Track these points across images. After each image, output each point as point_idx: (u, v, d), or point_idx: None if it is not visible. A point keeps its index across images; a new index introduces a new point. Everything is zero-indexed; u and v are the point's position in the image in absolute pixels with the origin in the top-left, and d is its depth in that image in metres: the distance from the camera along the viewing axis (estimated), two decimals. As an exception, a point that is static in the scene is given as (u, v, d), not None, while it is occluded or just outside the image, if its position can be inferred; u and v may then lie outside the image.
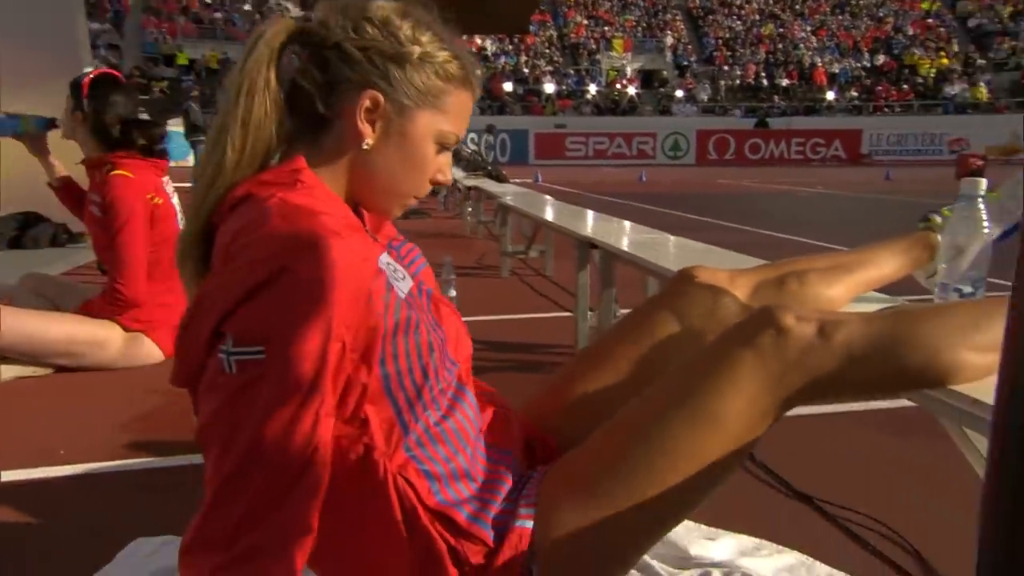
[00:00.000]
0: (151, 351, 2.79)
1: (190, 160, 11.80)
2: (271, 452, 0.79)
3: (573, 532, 0.96)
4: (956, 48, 31.77)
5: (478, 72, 1.02)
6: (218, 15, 29.00)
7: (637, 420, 1.00)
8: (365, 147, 0.94)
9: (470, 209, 7.22)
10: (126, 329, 2.74)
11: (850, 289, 1.38)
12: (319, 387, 0.80)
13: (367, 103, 0.92)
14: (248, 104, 0.90)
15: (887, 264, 1.46)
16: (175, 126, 12.20)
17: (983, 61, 30.77)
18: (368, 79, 0.92)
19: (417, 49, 0.94)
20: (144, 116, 2.80)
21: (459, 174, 8.50)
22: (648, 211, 9.10)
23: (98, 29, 26.29)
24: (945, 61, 30.80)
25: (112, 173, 2.68)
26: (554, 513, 0.97)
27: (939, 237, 1.42)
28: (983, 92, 28.31)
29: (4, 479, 1.92)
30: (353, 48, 0.91)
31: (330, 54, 0.92)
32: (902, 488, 1.87)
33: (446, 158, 1.02)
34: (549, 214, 3.97)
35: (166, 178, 2.91)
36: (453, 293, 3.72)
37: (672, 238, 3.04)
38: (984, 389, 1.02)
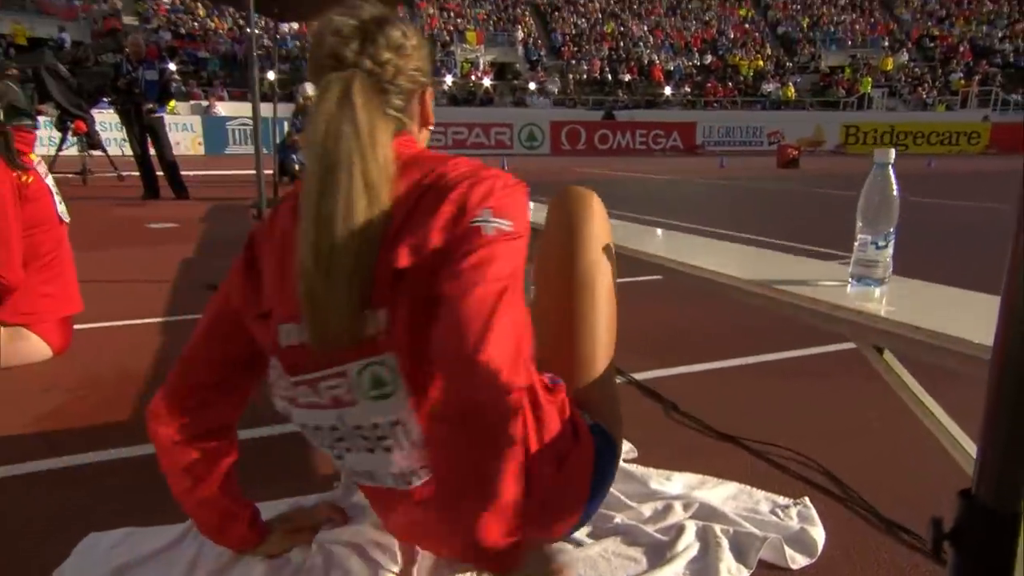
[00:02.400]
0: (37, 347, 2.55)
1: None
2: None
3: (585, 386, 1.35)
4: (769, 51, 34.30)
5: None
6: (30, -15, 26.39)
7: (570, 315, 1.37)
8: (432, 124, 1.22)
9: None
10: (5, 324, 2.48)
11: None
12: None
13: (428, 98, 1.20)
14: (373, 132, 1.00)
15: None
16: None
17: (791, 63, 33.49)
18: (420, 82, 1.16)
19: (419, 46, 1.15)
20: None
21: None
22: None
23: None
24: (760, 63, 33.16)
25: None
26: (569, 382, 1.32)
27: None
28: (792, 91, 30.86)
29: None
30: (405, 80, 1.12)
31: (392, 85, 1.10)
32: (812, 423, 2.09)
33: None
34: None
35: (36, 157, 2.63)
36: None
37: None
38: (905, 314, 1.20)
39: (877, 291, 1.46)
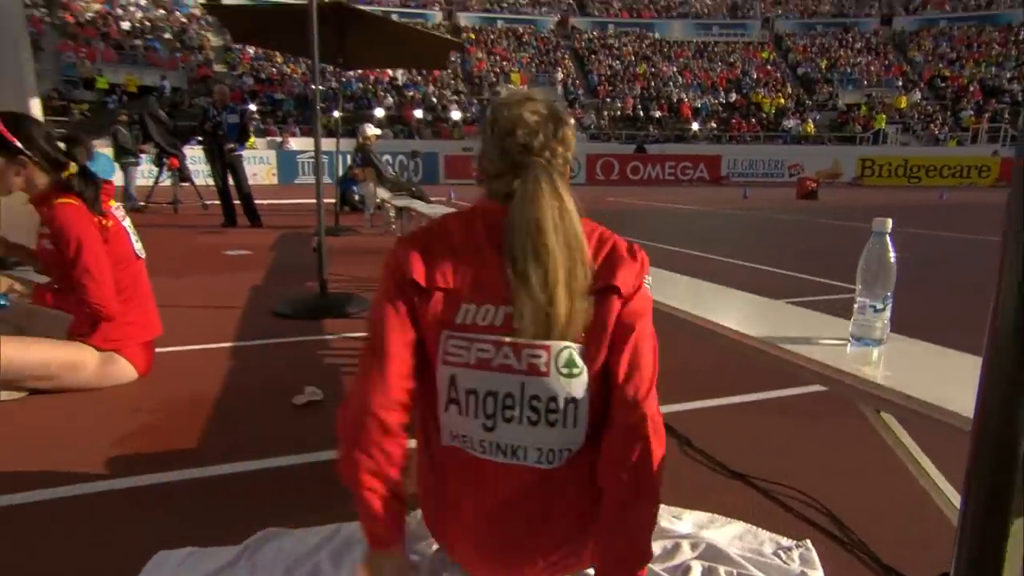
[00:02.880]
0: (125, 369, 2.63)
1: (117, 179, 11.15)
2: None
3: None
4: (790, 90, 33.80)
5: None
6: (138, 42, 27.44)
7: None
8: None
9: (394, 227, 7.03)
10: (99, 349, 2.55)
11: None
12: None
13: None
14: (573, 208, 1.20)
15: None
16: (103, 147, 11.41)
17: (810, 101, 32.94)
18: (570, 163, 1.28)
19: (574, 135, 1.28)
20: (60, 134, 2.56)
21: (385, 194, 8.35)
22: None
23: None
24: (782, 100, 32.69)
25: (57, 202, 2.44)
26: None
27: None
28: (811, 127, 30.33)
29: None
30: (567, 165, 1.26)
31: (564, 169, 1.25)
32: (817, 462, 2.02)
33: None
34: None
35: (115, 203, 2.67)
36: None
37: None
38: (907, 386, 1.15)
39: (875, 352, 1.41)
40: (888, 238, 1.42)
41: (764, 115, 31.60)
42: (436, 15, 35.79)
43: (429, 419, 1.24)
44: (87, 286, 2.47)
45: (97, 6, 29.38)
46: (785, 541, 1.57)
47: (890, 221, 1.41)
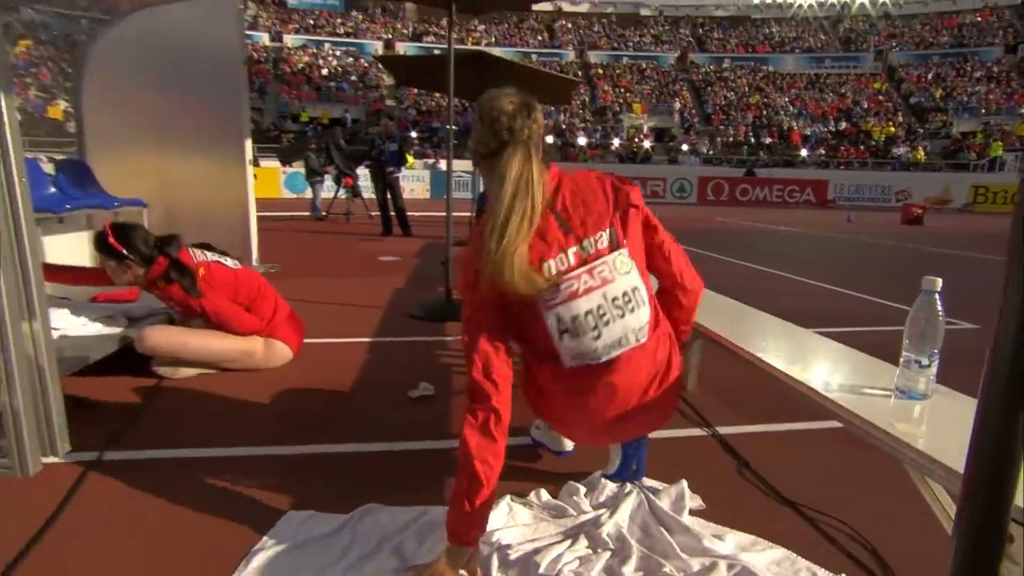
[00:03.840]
0: (283, 351, 2.86)
1: (307, 194, 12.56)
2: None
3: None
4: (901, 119, 30.69)
5: None
6: (331, 83, 29.58)
7: None
8: None
9: None
10: (262, 336, 2.83)
11: None
12: None
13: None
14: (542, 173, 1.43)
15: None
16: (298, 167, 13.37)
17: (921, 130, 29.74)
18: (542, 136, 1.49)
19: (541, 115, 1.48)
20: (155, 237, 2.68)
21: None
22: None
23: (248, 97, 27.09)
24: (892, 129, 29.75)
25: (164, 286, 2.64)
26: None
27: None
28: (921, 154, 27.36)
29: (186, 455, 1.99)
30: (539, 138, 1.46)
31: (537, 141, 1.46)
32: (868, 496, 1.84)
33: None
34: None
35: (195, 252, 2.78)
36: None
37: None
38: (942, 450, 1.02)
39: (918, 408, 1.26)
40: (938, 297, 1.26)
41: (873, 143, 28.91)
42: (569, 53, 35.81)
43: (545, 360, 1.45)
44: (228, 327, 2.74)
45: (306, 58, 32.04)
46: (822, 573, 1.44)
47: (939, 281, 1.25)
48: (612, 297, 1.39)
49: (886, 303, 4.81)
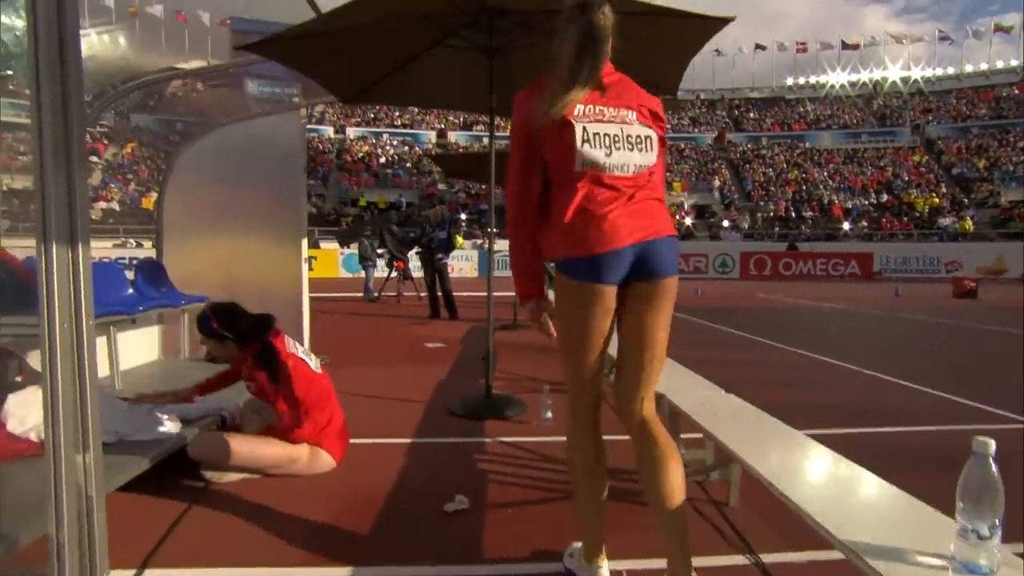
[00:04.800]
0: (326, 460, 2.83)
1: (362, 274, 12.92)
2: None
3: None
4: (944, 189, 29.85)
5: None
6: (388, 170, 31.07)
7: None
8: None
9: None
10: (309, 444, 2.82)
11: None
12: None
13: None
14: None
15: None
16: (354, 248, 14.20)
17: (967, 200, 28.78)
18: None
19: None
20: (252, 317, 2.85)
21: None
22: (705, 327, 8.73)
23: (311, 184, 28.77)
24: (936, 200, 28.91)
25: (252, 366, 2.77)
26: None
27: None
28: (969, 224, 26.34)
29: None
30: None
31: None
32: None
33: None
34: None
35: (286, 339, 2.90)
36: (549, 415, 3.57)
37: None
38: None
39: (980, 588, 1.11)
40: (991, 460, 1.14)
41: (918, 214, 28.09)
42: (610, 138, 36.68)
43: (563, 186, 1.70)
44: (280, 413, 2.79)
45: (366, 148, 33.96)
46: None
47: (992, 444, 1.14)
48: (627, 134, 1.70)
49: (945, 396, 4.49)
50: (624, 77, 1.77)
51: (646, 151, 1.72)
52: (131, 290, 4.31)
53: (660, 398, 2.50)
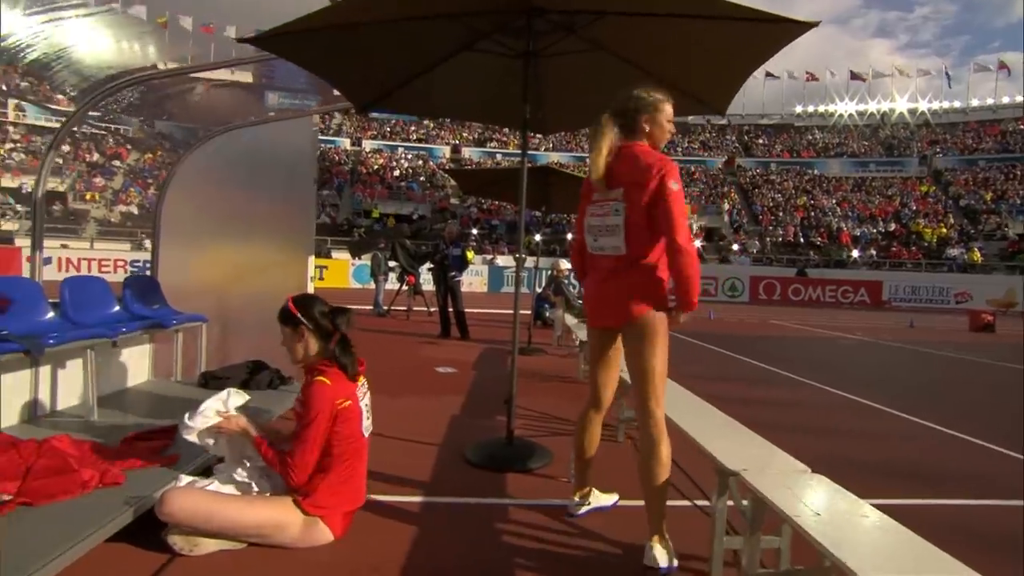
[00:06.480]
0: (324, 533, 2.27)
1: (371, 285, 12.63)
2: None
3: None
4: (952, 220, 29.18)
5: None
6: (402, 183, 30.72)
7: None
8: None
9: (578, 350, 6.06)
10: (306, 514, 2.25)
11: None
12: None
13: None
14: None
15: None
16: (366, 259, 13.98)
17: (974, 231, 28.09)
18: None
19: None
20: (331, 307, 2.43)
21: (572, 321, 7.76)
22: (729, 359, 8.14)
23: (326, 194, 28.43)
24: (944, 230, 28.24)
25: (316, 378, 2.29)
26: None
27: None
28: (978, 255, 25.64)
29: None
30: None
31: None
32: None
33: None
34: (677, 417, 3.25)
35: (362, 380, 2.44)
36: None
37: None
38: None
39: None
40: None
41: (926, 244, 27.41)
42: (621, 159, 36.33)
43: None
44: (295, 449, 2.25)
45: (381, 160, 33.70)
46: None
47: None
48: (604, 224, 2.27)
49: (998, 449, 3.90)
50: (634, 147, 2.28)
51: (615, 234, 2.26)
52: (117, 307, 3.79)
53: (736, 477, 1.95)
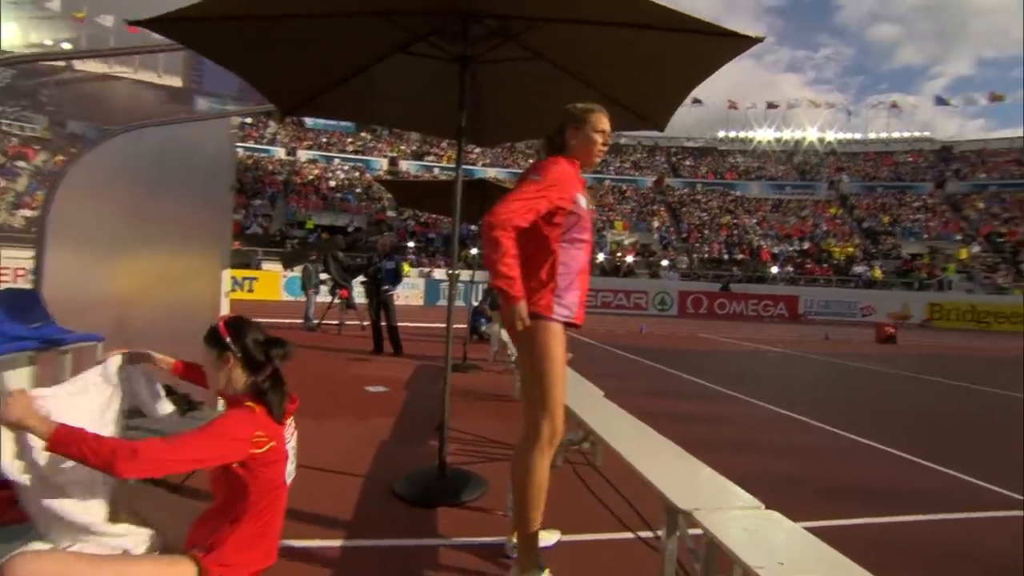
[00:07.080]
0: None
1: (302, 298, 12.16)
2: None
3: None
4: (857, 240, 31.31)
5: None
6: (338, 195, 29.84)
7: None
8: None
9: (513, 366, 5.79)
10: (204, 571, 1.80)
11: None
12: None
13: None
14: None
15: None
16: (298, 271, 13.04)
17: (875, 250, 30.29)
18: None
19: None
20: (268, 336, 2.05)
21: (507, 337, 7.54)
22: (664, 373, 8.15)
23: (259, 204, 27.13)
24: (851, 249, 30.24)
25: (237, 408, 1.88)
26: None
27: None
28: (879, 272, 27.66)
29: None
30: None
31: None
32: None
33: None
34: (604, 428, 3.09)
35: (290, 420, 1.99)
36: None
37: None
38: None
39: None
40: None
41: (835, 261, 29.25)
42: (557, 176, 36.78)
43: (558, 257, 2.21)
44: (157, 439, 1.71)
45: (316, 171, 32.58)
46: None
47: None
48: None
49: (934, 467, 3.98)
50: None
51: None
52: (-14, 326, 3.23)
53: (685, 518, 1.77)
